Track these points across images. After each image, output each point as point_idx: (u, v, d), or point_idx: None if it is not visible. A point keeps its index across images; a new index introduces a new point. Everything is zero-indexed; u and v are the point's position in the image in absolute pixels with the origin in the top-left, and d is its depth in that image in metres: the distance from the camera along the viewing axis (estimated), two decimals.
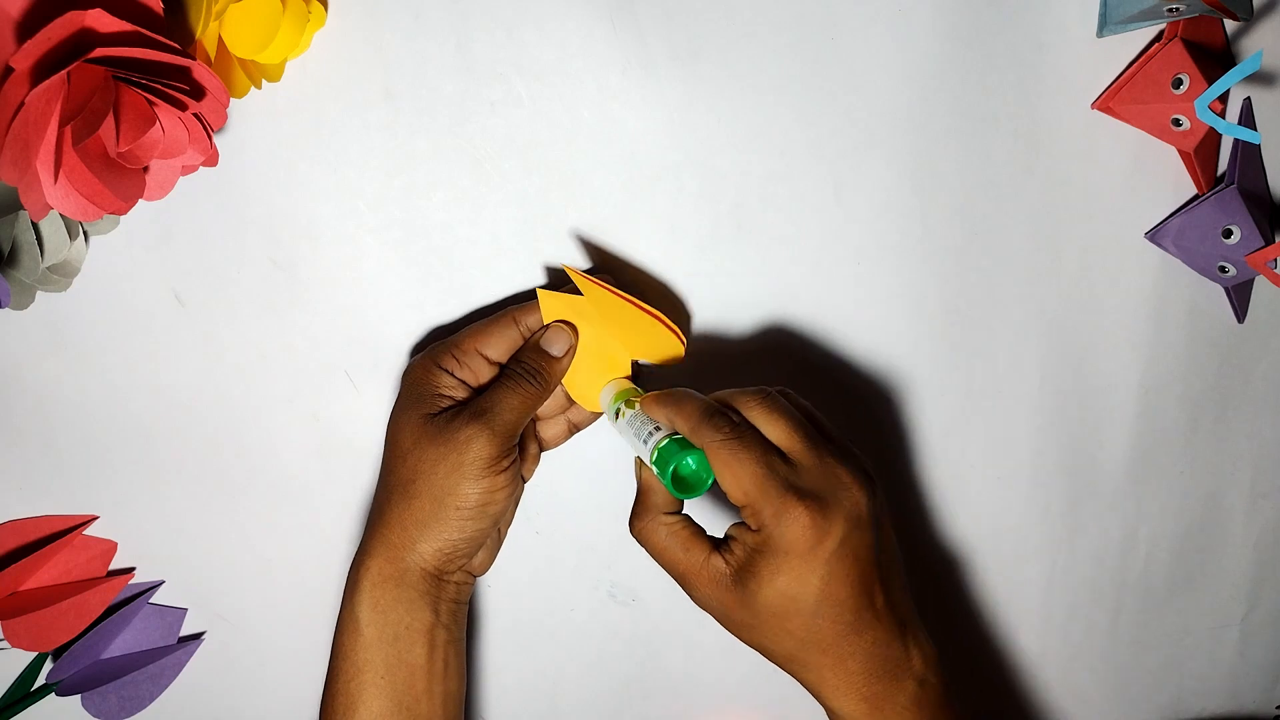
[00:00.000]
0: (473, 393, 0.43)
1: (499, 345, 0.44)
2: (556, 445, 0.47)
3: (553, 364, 0.43)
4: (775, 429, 0.40)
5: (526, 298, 0.47)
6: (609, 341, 0.45)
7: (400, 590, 0.41)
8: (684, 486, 0.41)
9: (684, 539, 0.41)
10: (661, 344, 0.44)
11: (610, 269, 0.47)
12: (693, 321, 0.49)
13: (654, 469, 0.41)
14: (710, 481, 0.40)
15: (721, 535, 0.41)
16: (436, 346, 0.44)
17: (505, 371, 0.43)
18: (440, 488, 0.40)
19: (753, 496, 0.38)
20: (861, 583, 0.38)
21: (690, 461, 0.41)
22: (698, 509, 0.50)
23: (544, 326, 0.44)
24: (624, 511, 0.43)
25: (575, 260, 0.47)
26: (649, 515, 0.42)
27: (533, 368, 0.43)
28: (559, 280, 0.47)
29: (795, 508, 0.37)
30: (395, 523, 0.41)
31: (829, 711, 0.41)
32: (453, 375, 0.43)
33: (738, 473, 0.38)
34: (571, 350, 0.44)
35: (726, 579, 0.39)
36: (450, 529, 0.41)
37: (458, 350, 0.43)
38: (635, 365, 0.47)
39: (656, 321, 0.43)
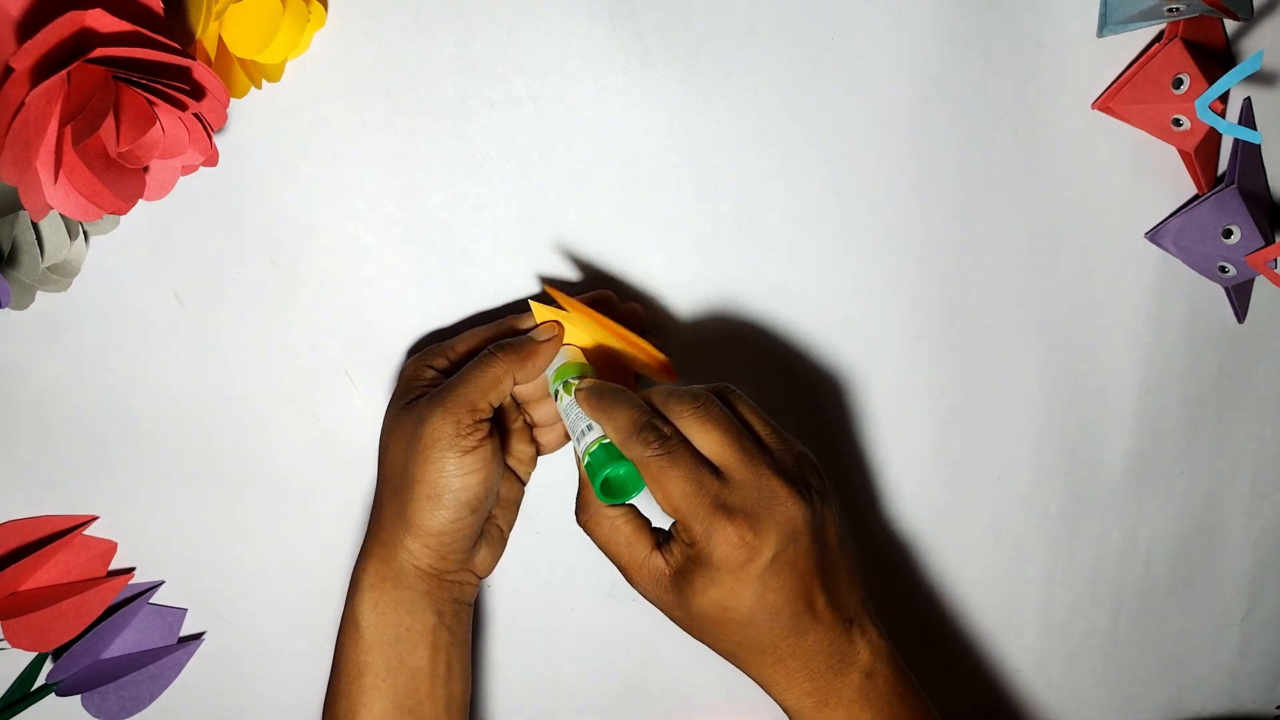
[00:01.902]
0: None
1: None
2: (555, 449, 0.47)
3: (527, 343, 0.42)
4: (708, 440, 0.38)
5: (526, 300, 0.47)
6: (607, 350, 0.45)
7: (399, 591, 0.41)
8: (614, 494, 0.40)
9: (626, 534, 0.40)
10: (648, 366, 0.43)
11: (603, 282, 0.47)
12: (692, 321, 0.49)
13: (586, 472, 0.40)
14: (641, 489, 0.40)
15: (668, 528, 0.41)
16: (431, 348, 0.44)
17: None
18: (412, 476, 0.40)
19: (682, 513, 0.37)
20: (799, 590, 0.38)
21: (621, 471, 0.40)
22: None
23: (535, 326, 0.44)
24: None
25: (575, 261, 0.47)
26: (592, 508, 0.41)
27: (504, 343, 0.42)
28: (550, 297, 0.47)
29: (725, 526, 0.36)
30: (386, 519, 0.41)
31: (779, 705, 0.40)
32: (438, 372, 0.43)
33: (667, 489, 0.37)
34: (556, 339, 0.43)
35: (665, 579, 0.39)
36: (425, 518, 0.40)
37: (451, 351, 0.43)
38: (636, 376, 0.46)
39: (639, 349, 0.42)
